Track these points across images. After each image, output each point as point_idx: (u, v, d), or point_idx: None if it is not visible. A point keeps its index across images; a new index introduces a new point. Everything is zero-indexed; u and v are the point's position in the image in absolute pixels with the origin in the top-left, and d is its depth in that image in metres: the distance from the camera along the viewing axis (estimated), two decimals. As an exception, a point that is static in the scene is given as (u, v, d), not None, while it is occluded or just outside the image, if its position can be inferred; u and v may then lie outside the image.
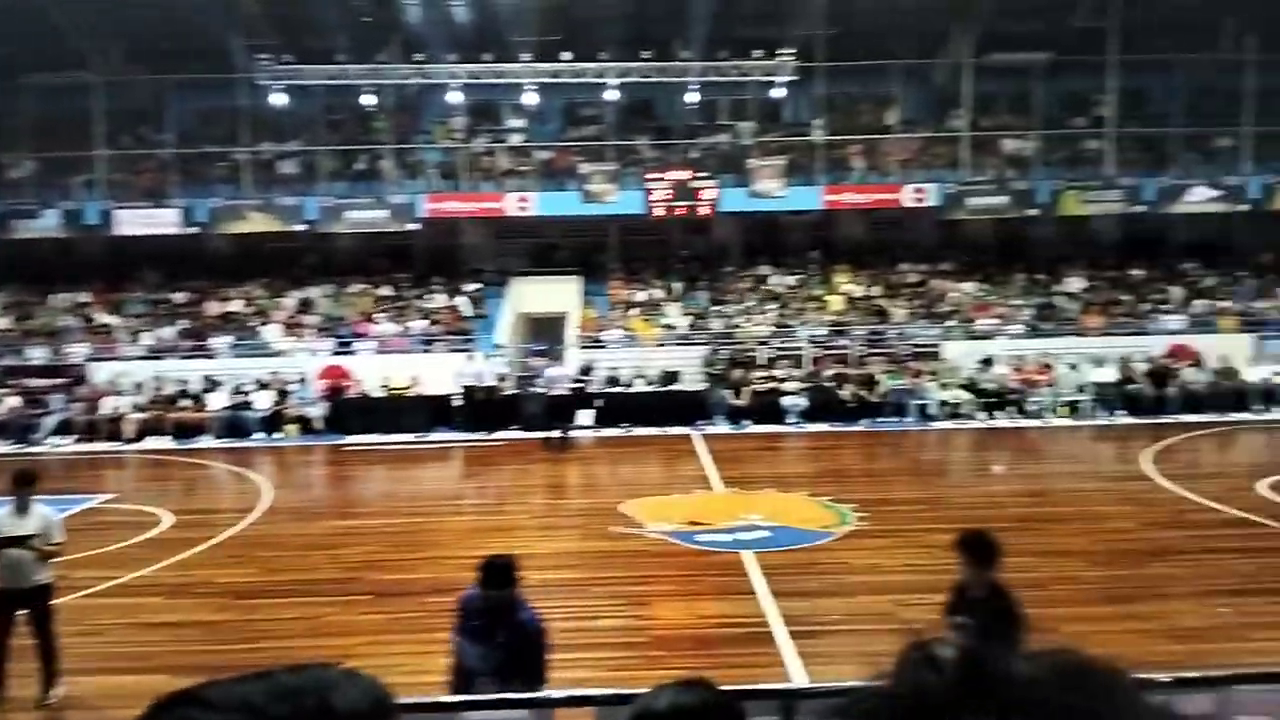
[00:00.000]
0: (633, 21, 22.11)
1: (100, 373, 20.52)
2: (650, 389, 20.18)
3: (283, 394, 19.77)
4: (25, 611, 7.15)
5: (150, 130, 24.00)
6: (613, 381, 20.19)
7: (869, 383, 19.91)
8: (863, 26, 22.36)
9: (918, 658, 0.71)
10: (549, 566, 10.28)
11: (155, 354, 21.28)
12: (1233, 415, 19.07)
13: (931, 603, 5.78)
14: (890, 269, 24.30)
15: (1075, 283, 23.46)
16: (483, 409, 19.09)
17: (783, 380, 19.95)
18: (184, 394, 19.87)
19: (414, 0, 21.57)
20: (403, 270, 24.44)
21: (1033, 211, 23.16)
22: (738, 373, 20.17)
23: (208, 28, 21.48)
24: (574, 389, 18.89)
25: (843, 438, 18.40)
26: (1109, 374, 20.01)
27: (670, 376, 20.46)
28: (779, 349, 21.21)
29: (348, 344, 21.73)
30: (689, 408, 19.45)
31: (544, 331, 22.39)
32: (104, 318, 22.57)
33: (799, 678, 7.14)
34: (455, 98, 23.05)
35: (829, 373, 20.30)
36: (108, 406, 19.45)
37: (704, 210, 22.82)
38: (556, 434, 17.67)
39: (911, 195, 23.06)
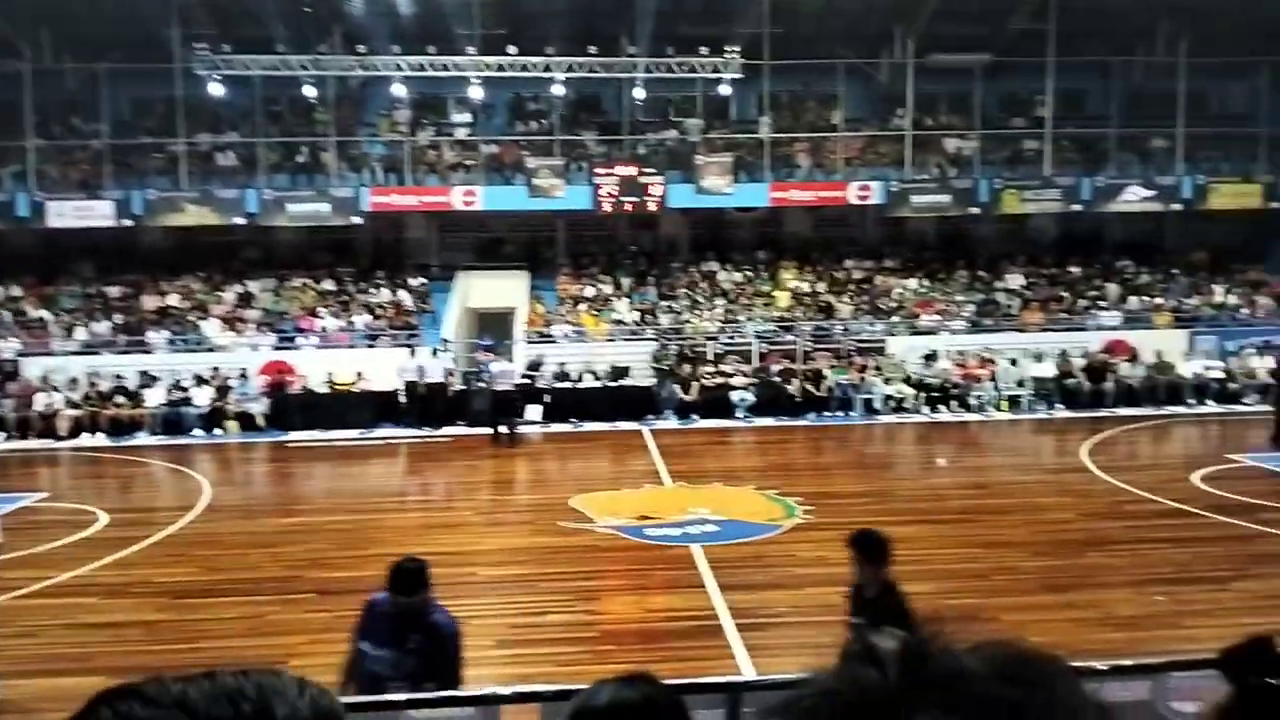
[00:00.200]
0: (579, 16, 22.01)
1: (33, 368, 19.94)
2: (599, 384, 20.15)
3: (223, 390, 19.38)
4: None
5: (83, 120, 23.33)
6: (561, 377, 20.13)
7: (815, 378, 20.11)
8: (807, 26, 22.57)
9: (859, 653, 0.71)
10: (497, 562, 10.25)
11: (90, 349, 20.76)
12: (1168, 409, 19.61)
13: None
14: (836, 265, 24.54)
15: (1015, 280, 23.92)
16: (428, 405, 18.92)
17: (731, 375, 20.06)
18: (120, 390, 19.38)
19: (357, -10, 21.25)
20: (346, 264, 24.08)
21: (974, 210, 23.55)
22: (686, 368, 20.24)
23: (142, 15, 20.92)
24: (521, 384, 18.79)
25: (790, 432, 18.59)
26: (1048, 369, 20.44)
27: (619, 372, 20.45)
28: (727, 344, 21.32)
29: (290, 339, 21.37)
30: (638, 403, 19.48)
31: (491, 327, 22.22)
32: (36, 312, 21.95)
33: (747, 670, 7.18)
34: (399, 90, 22.78)
35: (776, 368, 20.46)
36: (41, 403, 18.94)
37: (652, 206, 22.83)
38: (504, 429, 17.57)
39: (856, 193, 23.33)
